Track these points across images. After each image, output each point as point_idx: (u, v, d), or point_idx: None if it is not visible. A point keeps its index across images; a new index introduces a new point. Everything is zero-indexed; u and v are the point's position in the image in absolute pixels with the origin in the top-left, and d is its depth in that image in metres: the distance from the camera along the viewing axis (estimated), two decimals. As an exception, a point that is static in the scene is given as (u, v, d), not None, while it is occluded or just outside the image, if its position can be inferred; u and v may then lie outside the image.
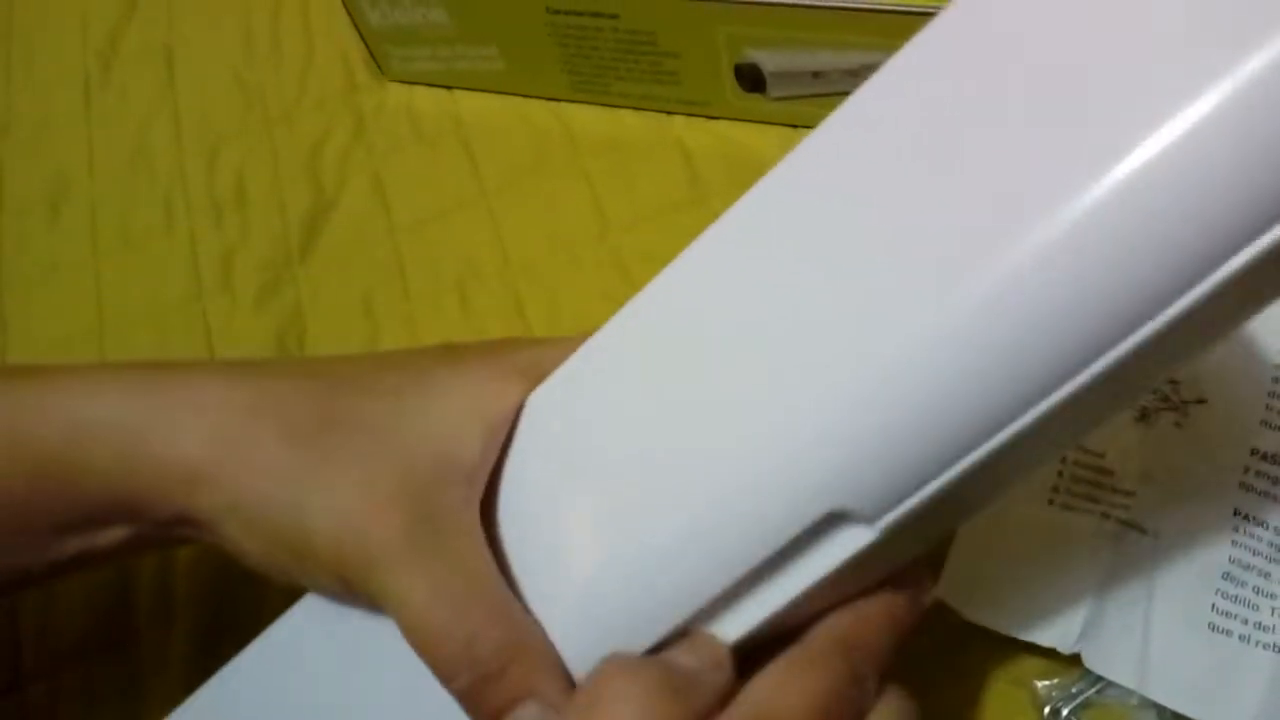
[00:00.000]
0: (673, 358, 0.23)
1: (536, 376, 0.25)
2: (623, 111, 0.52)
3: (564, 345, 0.25)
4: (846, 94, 0.47)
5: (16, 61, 0.60)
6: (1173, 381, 0.37)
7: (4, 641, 0.40)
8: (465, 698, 0.21)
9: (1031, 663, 0.35)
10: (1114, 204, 0.17)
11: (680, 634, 0.22)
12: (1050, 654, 0.34)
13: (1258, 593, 0.33)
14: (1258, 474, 0.34)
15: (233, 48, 0.58)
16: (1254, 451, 0.35)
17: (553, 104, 0.53)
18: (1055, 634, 0.34)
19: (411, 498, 0.22)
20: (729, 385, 0.22)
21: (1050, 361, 0.18)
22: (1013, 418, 0.19)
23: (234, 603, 0.40)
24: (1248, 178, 0.17)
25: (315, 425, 0.22)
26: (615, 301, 0.25)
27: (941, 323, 0.19)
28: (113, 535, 0.25)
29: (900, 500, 0.20)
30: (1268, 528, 0.34)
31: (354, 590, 0.22)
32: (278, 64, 0.57)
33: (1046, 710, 0.34)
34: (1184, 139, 0.17)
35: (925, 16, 0.45)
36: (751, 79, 0.48)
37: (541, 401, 0.25)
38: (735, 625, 0.22)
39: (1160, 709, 0.33)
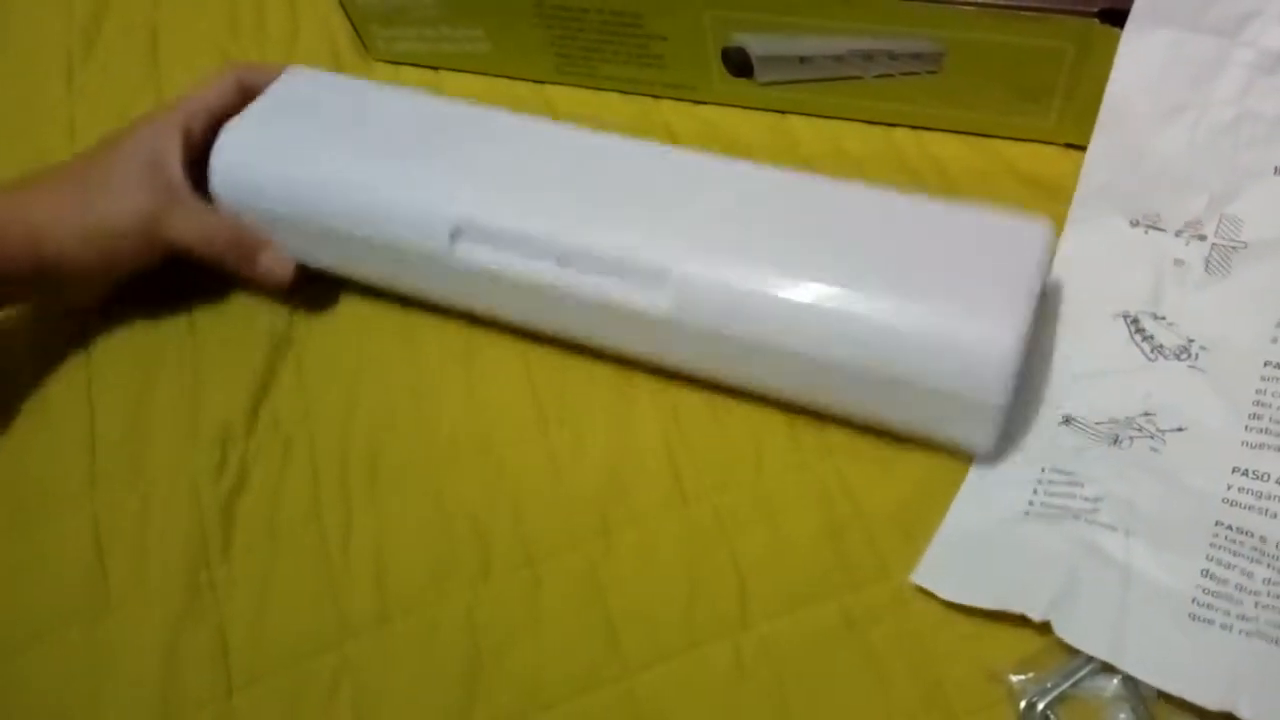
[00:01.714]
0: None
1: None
2: (609, 95, 0.51)
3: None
4: (833, 79, 0.48)
5: (-4, 37, 0.59)
6: (1147, 413, 0.37)
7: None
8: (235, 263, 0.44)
9: (1007, 658, 0.34)
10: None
11: None
12: (1025, 646, 0.34)
13: (1240, 590, 0.33)
14: (1240, 490, 0.35)
15: (218, 26, 0.57)
16: (1235, 469, 0.36)
17: (539, 86, 0.52)
18: (1025, 603, 0.34)
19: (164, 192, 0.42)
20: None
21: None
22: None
23: (210, 577, 0.40)
24: None
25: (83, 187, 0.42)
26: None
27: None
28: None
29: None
30: (1253, 535, 0.34)
31: (153, 238, 0.42)
32: (263, 42, 0.56)
33: (1022, 705, 0.34)
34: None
35: (912, 1, 0.45)
36: (738, 63, 0.47)
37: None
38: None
39: (1134, 703, 0.33)
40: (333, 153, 0.42)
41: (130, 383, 0.45)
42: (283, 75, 0.45)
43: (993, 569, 0.35)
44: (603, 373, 0.42)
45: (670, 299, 0.37)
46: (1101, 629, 0.33)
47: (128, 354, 0.46)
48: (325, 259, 0.45)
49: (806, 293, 0.36)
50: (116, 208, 0.42)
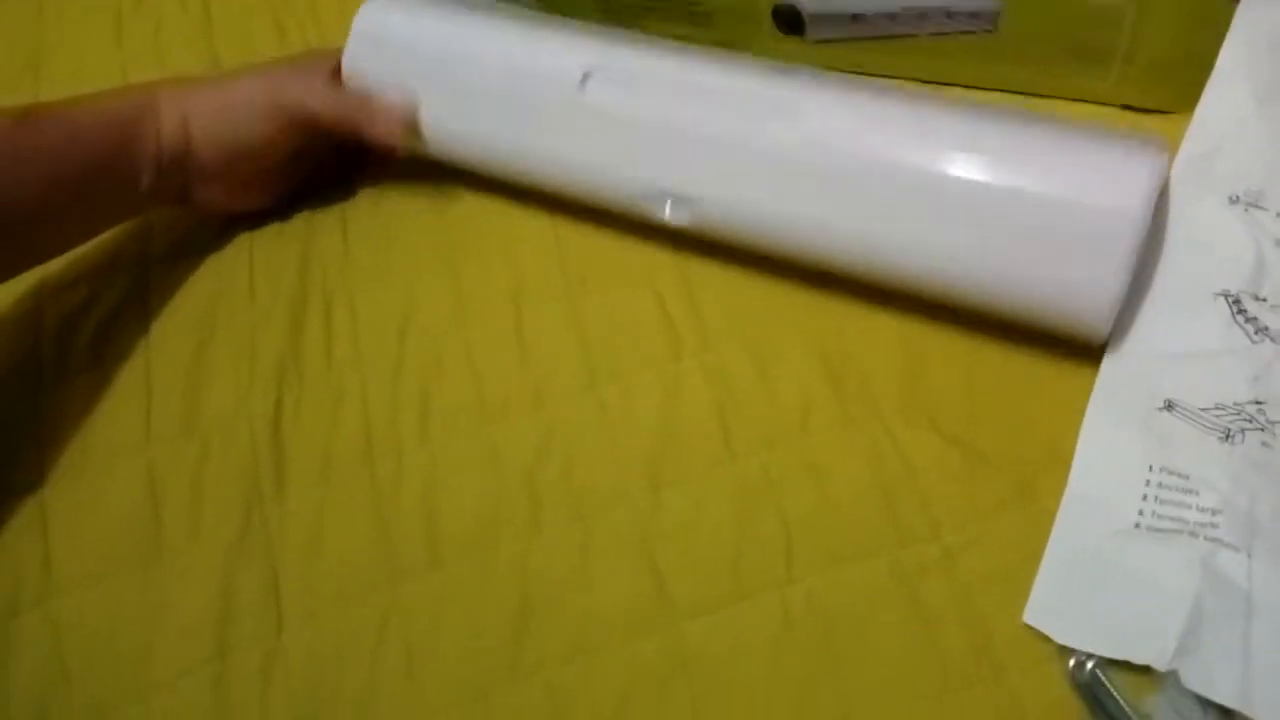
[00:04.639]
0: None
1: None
2: (657, 53, 0.51)
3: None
4: (886, 38, 0.48)
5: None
6: (1258, 402, 0.36)
7: (33, 555, 0.40)
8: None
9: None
10: None
11: None
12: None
13: None
14: None
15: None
16: None
17: (587, 45, 0.52)
18: (1150, 651, 0.33)
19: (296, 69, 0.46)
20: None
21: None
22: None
23: (264, 517, 0.40)
24: None
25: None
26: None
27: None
28: (147, 179, 0.43)
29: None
30: None
31: (280, 107, 0.44)
32: (314, 7, 0.56)
33: (1072, 663, 0.34)
34: None
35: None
36: (790, 21, 0.47)
37: None
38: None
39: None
40: (464, 18, 0.45)
41: (187, 332, 0.46)
42: None
43: (1109, 604, 0.34)
44: (654, 330, 0.43)
45: (801, 130, 0.38)
46: (1228, 674, 0.32)
47: (186, 304, 0.47)
48: (452, 124, 0.45)
49: (933, 137, 0.37)
50: (251, 79, 0.45)
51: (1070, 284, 0.36)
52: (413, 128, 0.45)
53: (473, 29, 0.45)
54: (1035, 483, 0.37)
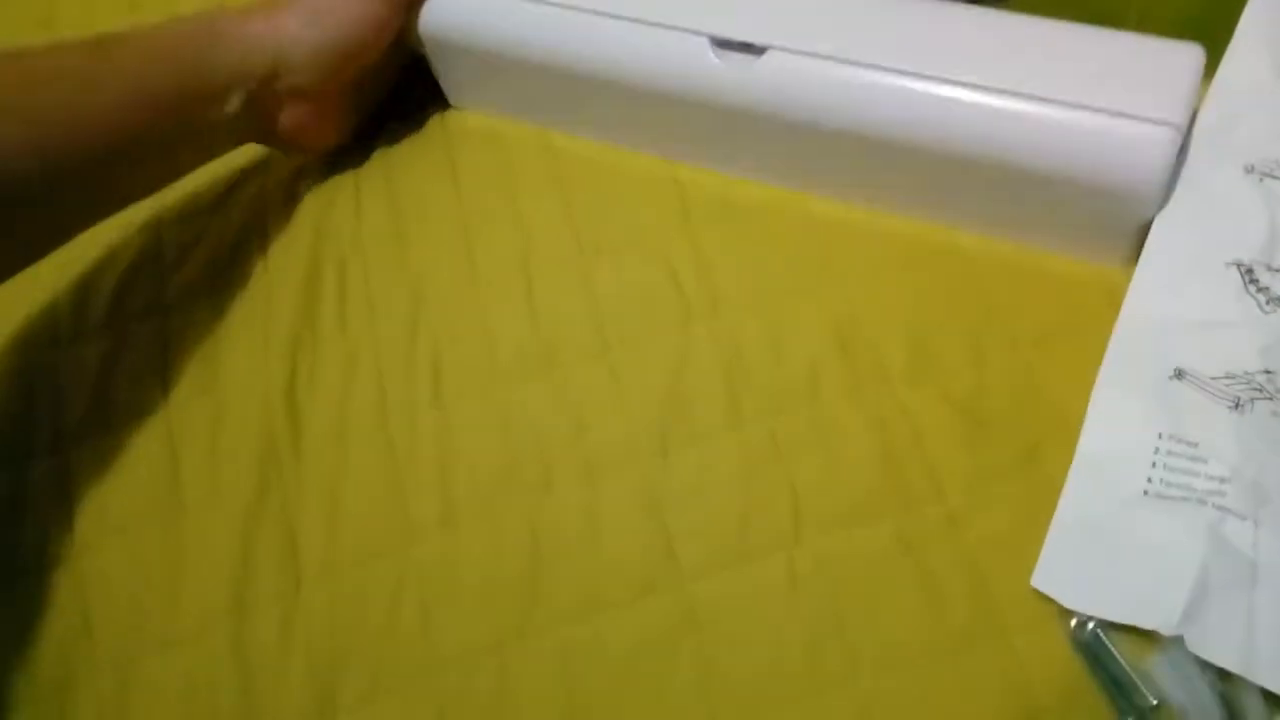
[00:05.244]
0: None
1: None
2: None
3: None
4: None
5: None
6: (1268, 371, 0.36)
7: (57, 513, 0.41)
8: None
9: (1060, 575, 0.35)
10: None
11: None
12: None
13: None
14: None
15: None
16: None
17: None
18: (1157, 617, 0.33)
19: None
20: None
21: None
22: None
23: (281, 480, 0.41)
24: None
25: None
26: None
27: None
28: (235, 101, 0.42)
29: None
30: None
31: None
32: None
33: (1073, 623, 0.34)
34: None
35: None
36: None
37: None
38: None
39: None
40: None
41: (202, 295, 0.46)
42: None
43: (1116, 571, 0.34)
44: (665, 297, 0.43)
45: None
46: (1232, 640, 0.32)
47: (201, 267, 0.47)
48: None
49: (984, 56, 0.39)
50: None
51: (1130, 112, 0.37)
52: None
53: None
54: (1041, 448, 0.37)
